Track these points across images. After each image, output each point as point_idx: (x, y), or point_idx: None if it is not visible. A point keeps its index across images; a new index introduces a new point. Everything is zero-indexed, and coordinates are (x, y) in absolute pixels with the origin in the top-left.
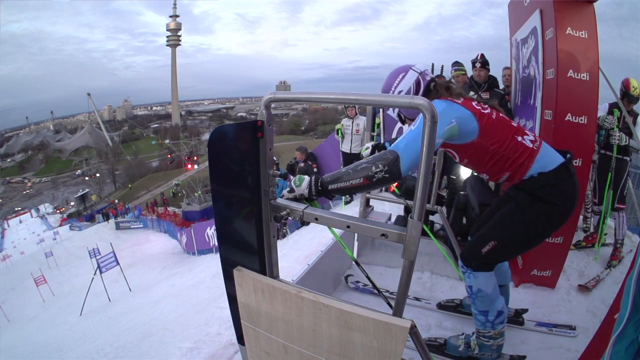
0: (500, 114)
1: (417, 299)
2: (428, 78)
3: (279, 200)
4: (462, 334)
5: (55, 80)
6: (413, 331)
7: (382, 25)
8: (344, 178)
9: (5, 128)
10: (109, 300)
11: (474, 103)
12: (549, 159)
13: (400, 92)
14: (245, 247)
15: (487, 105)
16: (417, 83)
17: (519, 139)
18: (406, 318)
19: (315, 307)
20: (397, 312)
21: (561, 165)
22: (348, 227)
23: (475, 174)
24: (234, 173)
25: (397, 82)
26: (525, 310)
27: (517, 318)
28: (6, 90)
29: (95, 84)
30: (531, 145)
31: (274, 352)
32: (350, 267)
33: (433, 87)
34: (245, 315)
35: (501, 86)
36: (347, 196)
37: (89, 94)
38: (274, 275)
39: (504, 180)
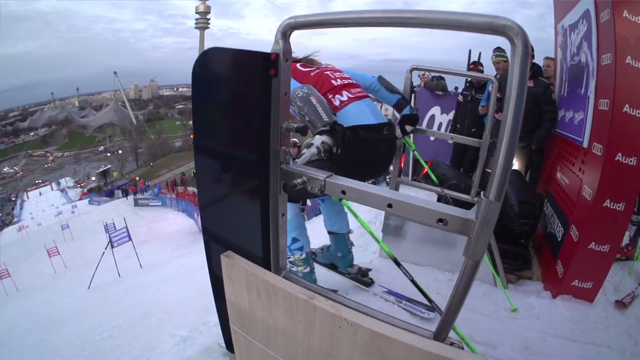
0: (326, 72)
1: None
2: None
3: (294, 165)
4: None
5: (82, 58)
6: None
7: None
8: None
9: (29, 102)
10: (119, 275)
11: (298, 65)
12: (345, 119)
13: None
14: (241, 225)
15: (315, 67)
16: None
17: (330, 96)
18: (453, 340)
19: (334, 323)
20: (443, 333)
21: (350, 127)
22: (390, 206)
23: (514, 168)
24: (231, 121)
25: None
26: (369, 270)
27: (362, 277)
28: (32, 65)
29: (122, 63)
30: (337, 104)
31: None
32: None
33: None
34: (234, 318)
35: None
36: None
37: (115, 73)
38: (280, 268)
39: None
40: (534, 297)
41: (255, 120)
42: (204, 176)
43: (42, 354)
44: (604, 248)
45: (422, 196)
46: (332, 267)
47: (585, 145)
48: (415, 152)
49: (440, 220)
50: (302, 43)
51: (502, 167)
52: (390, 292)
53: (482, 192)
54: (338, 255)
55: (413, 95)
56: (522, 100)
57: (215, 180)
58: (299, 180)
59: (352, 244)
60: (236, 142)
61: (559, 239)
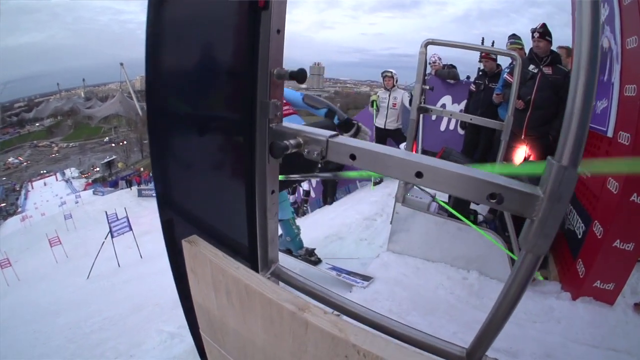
0: None
1: None
2: None
3: (289, 124)
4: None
5: (89, 49)
6: None
7: (420, 14)
8: None
9: (35, 93)
10: (119, 265)
11: None
12: None
13: None
14: (217, 203)
15: None
16: None
17: None
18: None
19: (336, 351)
20: (479, 351)
21: None
22: (419, 175)
23: (530, 159)
24: (203, 65)
25: None
26: (314, 249)
27: (310, 257)
28: (38, 57)
29: (128, 54)
30: None
31: None
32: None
33: None
34: (204, 324)
35: None
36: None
37: (121, 64)
38: (269, 261)
39: None
40: (554, 299)
41: (238, 65)
42: (160, 137)
43: (33, 345)
44: (628, 246)
45: (430, 189)
46: (289, 252)
47: (609, 134)
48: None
49: (492, 196)
50: (309, 36)
51: (580, 116)
52: (333, 268)
53: (548, 157)
54: (287, 240)
55: (426, 75)
56: (597, 31)
57: (179, 142)
58: (292, 142)
59: (298, 228)
60: (210, 93)
61: (580, 236)
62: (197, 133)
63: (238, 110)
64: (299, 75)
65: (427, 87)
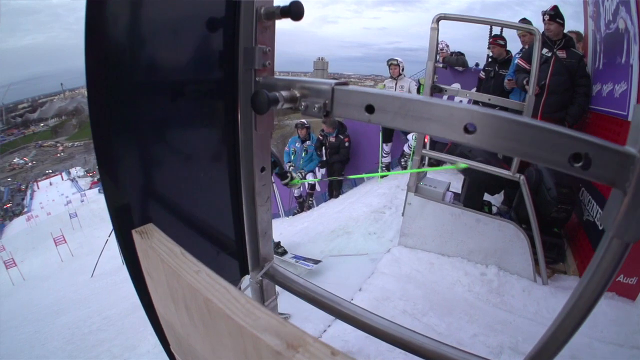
0: None
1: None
2: None
3: (282, 76)
4: None
5: None
6: None
7: (424, 7)
8: None
9: (39, 94)
10: (123, 263)
11: None
12: None
13: None
14: (188, 186)
15: None
16: None
17: None
18: None
19: None
20: None
21: None
22: (469, 130)
23: None
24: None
25: None
26: (280, 242)
27: (277, 249)
28: (41, 57)
29: None
30: None
31: None
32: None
33: None
34: (172, 340)
35: None
36: (384, 168)
37: None
38: (261, 259)
39: None
40: None
41: (213, 2)
42: (106, 96)
43: (32, 345)
44: None
45: (444, 178)
46: None
47: (630, 118)
48: (300, 181)
49: (576, 157)
50: (312, 31)
51: None
52: (294, 257)
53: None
54: None
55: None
56: None
57: (135, 105)
58: (284, 93)
59: None
60: (175, 39)
61: (600, 227)
62: (162, 93)
63: (215, 61)
64: (293, 10)
65: (441, 65)
